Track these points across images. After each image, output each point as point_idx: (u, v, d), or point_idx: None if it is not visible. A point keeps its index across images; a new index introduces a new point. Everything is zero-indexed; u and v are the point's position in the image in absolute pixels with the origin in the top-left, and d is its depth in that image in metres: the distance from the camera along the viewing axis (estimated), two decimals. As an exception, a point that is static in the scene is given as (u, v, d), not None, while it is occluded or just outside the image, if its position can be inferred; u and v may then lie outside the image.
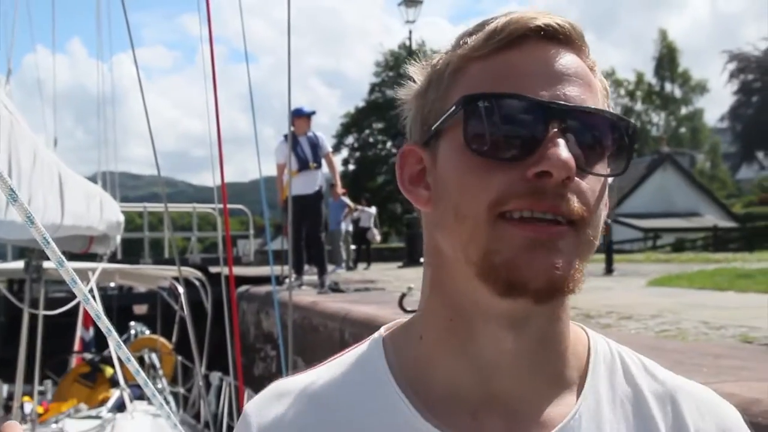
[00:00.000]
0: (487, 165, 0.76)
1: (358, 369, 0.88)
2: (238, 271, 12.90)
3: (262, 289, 10.17)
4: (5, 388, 6.54)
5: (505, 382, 0.81)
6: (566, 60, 0.78)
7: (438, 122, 0.81)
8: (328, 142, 9.71)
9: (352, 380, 0.86)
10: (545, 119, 0.74)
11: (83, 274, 5.99)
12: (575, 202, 0.75)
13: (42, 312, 5.85)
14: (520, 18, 0.79)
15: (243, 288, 10.96)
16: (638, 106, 52.83)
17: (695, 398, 0.87)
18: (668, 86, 51.67)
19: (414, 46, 22.08)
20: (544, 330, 0.82)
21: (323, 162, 9.49)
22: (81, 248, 6.45)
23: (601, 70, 0.86)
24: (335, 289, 9.40)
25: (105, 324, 1.45)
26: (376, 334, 0.92)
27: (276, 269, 9.51)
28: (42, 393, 6.82)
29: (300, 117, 9.30)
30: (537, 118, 0.75)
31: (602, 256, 14.58)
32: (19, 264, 6.67)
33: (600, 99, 0.81)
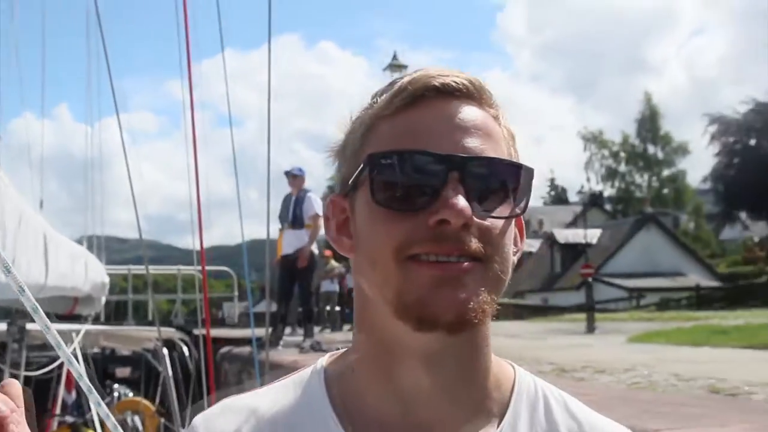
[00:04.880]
0: (392, 215, 0.84)
1: (299, 393, 0.96)
2: (222, 332, 12.91)
3: (245, 350, 10.20)
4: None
5: (426, 413, 0.88)
6: (465, 113, 0.87)
7: (353, 177, 0.90)
8: (320, 204, 9.76)
9: (292, 403, 0.95)
10: (444, 171, 0.83)
11: (67, 336, 6.04)
12: (476, 243, 0.83)
13: (23, 373, 5.87)
14: (421, 77, 0.88)
15: (226, 349, 10.98)
16: (622, 167, 53.52)
17: None
18: (651, 148, 52.50)
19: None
20: (461, 365, 0.88)
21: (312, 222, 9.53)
22: (65, 309, 6.50)
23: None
24: (317, 348, 9.44)
25: (86, 384, 1.54)
26: (318, 363, 1.00)
27: (260, 331, 9.56)
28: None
29: (294, 177, 9.51)
30: (436, 170, 0.83)
31: (584, 315, 14.71)
32: (1, 325, 6.72)
33: (502, 146, 0.89)
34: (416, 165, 0.84)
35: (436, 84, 0.87)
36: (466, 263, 0.82)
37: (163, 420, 8.60)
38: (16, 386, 0.83)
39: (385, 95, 0.90)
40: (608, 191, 54.32)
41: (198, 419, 0.97)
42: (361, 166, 0.88)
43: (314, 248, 9.74)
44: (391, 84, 0.91)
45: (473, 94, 0.89)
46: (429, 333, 0.82)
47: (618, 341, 9.94)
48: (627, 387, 4.97)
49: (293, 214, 9.38)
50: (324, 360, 1.00)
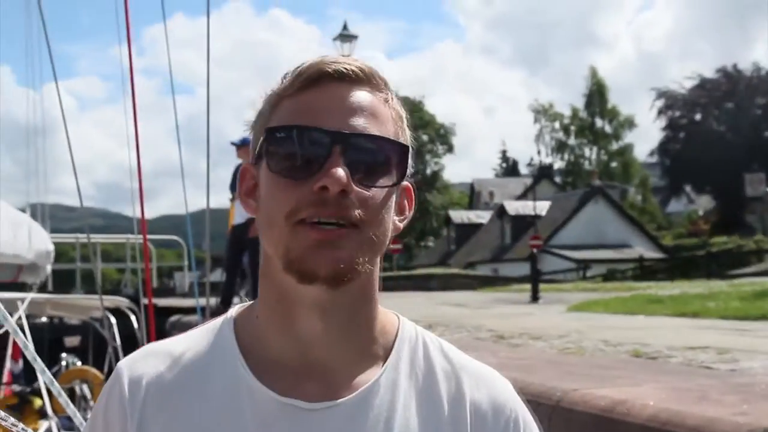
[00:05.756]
0: (285, 183, 0.98)
1: (211, 338, 1.10)
2: (172, 302, 12.95)
3: (194, 318, 10.30)
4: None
5: (319, 354, 1.04)
6: (353, 96, 1.01)
7: (257, 148, 1.04)
8: None
9: (205, 347, 1.09)
10: (328, 144, 0.97)
11: (12, 305, 6.05)
12: (355, 210, 0.97)
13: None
14: (318, 63, 1.02)
15: (175, 317, 11.06)
16: (572, 141, 54.24)
17: (475, 375, 1.08)
18: (599, 122, 53.26)
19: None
20: (347, 313, 1.03)
21: None
22: (9, 277, 6.50)
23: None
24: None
25: (31, 353, 1.63)
26: (229, 312, 1.14)
27: (203, 300, 9.64)
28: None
29: (240, 147, 9.52)
30: (322, 143, 0.97)
31: (529, 285, 15.03)
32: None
33: (389, 126, 1.03)
34: (305, 139, 0.98)
35: (329, 70, 1.01)
36: (343, 229, 0.96)
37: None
38: None
39: (287, 79, 1.04)
40: (558, 164, 55.13)
41: (122, 363, 1.10)
42: (262, 138, 1.02)
43: None
44: (296, 68, 1.04)
45: (363, 80, 1.02)
46: (310, 285, 0.97)
47: (558, 310, 10.25)
48: (558, 352, 5.21)
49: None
50: (235, 310, 1.14)
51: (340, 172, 0.95)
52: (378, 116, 1.01)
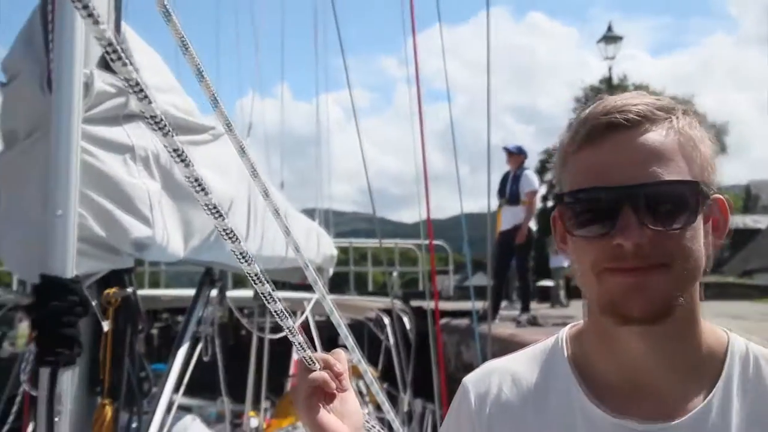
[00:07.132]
0: (584, 241, 1.03)
1: (545, 357, 1.19)
2: (439, 305, 13.29)
3: (462, 322, 10.51)
4: (231, 406, 7.24)
5: (646, 377, 1.07)
6: (634, 143, 1.00)
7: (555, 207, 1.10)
8: (535, 181, 9.68)
9: (540, 365, 1.18)
10: (616, 200, 0.99)
11: (299, 304, 6.56)
12: (656, 255, 0.98)
13: (268, 336, 6.42)
14: (593, 116, 1.03)
15: (444, 321, 11.35)
16: None
17: None
18: None
19: (615, 81, 21.76)
20: (673, 340, 1.05)
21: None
22: (298, 279, 7.03)
23: None
24: (533, 323, 9.54)
25: (352, 346, 1.77)
26: (561, 332, 1.22)
27: (477, 304, 9.82)
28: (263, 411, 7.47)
29: (512, 154, 9.63)
30: (610, 200, 0.99)
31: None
32: (249, 293, 7.35)
33: (677, 160, 1.01)
34: (592, 199, 1.01)
35: (604, 122, 1.02)
36: (650, 270, 0.98)
37: (386, 385, 9.09)
38: (342, 354, 1.13)
39: (568, 133, 1.07)
40: None
41: (467, 380, 1.21)
42: (556, 201, 1.09)
43: (531, 224, 9.76)
44: (576, 118, 1.07)
45: (640, 121, 1.01)
46: (627, 326, 1.01)
47: None
48: None
49: (510, 191, 9.46)
50: (565, 331, 1.21)
51: (632, 228, 0.97)
52: (663, 155, 1.00)
